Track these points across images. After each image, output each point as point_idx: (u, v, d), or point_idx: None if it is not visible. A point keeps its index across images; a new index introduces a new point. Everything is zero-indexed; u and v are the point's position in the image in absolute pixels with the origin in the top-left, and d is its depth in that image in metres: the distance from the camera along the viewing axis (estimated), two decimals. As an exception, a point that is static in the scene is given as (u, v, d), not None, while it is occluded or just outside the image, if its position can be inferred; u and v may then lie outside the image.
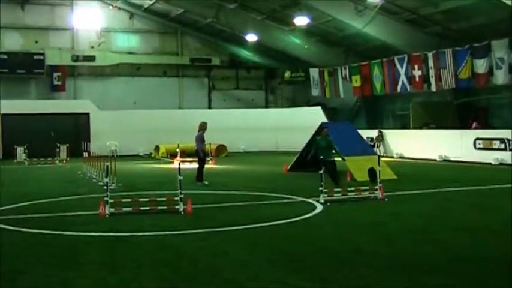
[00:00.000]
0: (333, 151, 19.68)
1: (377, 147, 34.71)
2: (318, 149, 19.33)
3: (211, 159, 31.22)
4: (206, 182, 20.74)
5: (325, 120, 34.09)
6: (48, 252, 10.08)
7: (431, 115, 35.84)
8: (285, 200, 16.38)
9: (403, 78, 33.66)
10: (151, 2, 43.50)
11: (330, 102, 44.41)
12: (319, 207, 14.58)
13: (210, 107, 48.48)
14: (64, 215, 14.35)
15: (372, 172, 18.25)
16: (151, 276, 8.47)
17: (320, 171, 15.31)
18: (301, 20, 36.52)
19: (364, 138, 26.74)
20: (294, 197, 16.76)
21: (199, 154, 21.23)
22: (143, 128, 40.14)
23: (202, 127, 21.71)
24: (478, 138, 29.01)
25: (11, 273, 8.69)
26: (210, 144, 32.87)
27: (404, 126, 38.29)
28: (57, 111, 39.84)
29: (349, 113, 43.88)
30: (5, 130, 38.94)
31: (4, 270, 8.82)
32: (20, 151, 35.61)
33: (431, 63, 31.38)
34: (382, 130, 36.33)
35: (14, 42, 44.07)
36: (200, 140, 21.40)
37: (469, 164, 27.74)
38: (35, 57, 43.53)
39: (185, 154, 31.67)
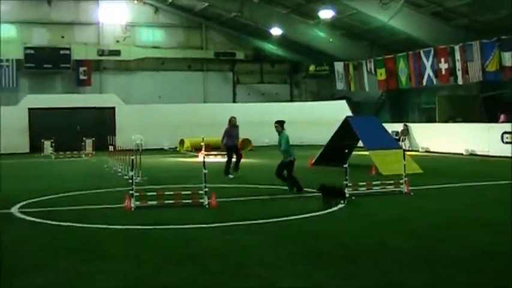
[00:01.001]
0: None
1: (402, 141, 34.47)
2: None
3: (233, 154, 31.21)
4: (231, 176, 20.84)
5: (349, 114, 33.97)
6: (73, 245, 10.16)
7: (457, 109, 35.50)
8: (309, 194, 16.33)
9: (429, 71, 33.38)
10: (176, -4, 43.70)
11: (355, 95, 44.21)
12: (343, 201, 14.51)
13: (234, 101, 48.53)
14: (90, 208, 14.47)
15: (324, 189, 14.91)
16: (175, 269, 8.49)
17: (345, 165, 15.23)
18: (326, 14, 36.37)
19: (389, 132, 26.57)
20: (318, 191, 16.68)
21: (228, 148, 21.60)
22: (168, 122, 40.33)
23: (229, 121, 21.89)
24: (505, 132, 28.64)
25: (37, 266, 8.78)
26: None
27: (430, 119, 37.99)
28: (83, 105, 40.18)
29: (373, 106, 43.64)
30: (32, 124, 39.37)
31: (31, 263, 8.92)
32: (47, 145, 35.93)
33: (458, 56, 31.06)
34: (407, 124, 36.08)
35: (41, 37, 44.51)
36: (226, 134, 21.56)
37: (497, 159, 27.41)
38: (62, 52, 43.95)
39: (210, 148, 31.71)
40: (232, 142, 21.78)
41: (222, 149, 22.06)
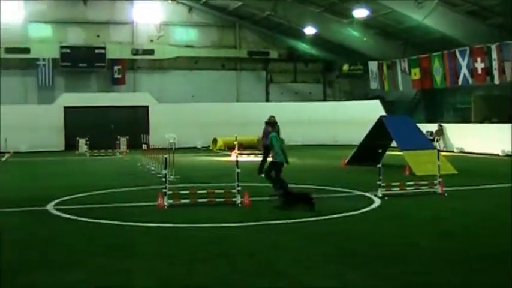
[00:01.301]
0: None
1: (437, 141, 34.14)
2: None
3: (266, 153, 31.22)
4: (263, 175, 20.85)
5: (383, 113, 33.71)
6: (107, 243, 10.26)
7: (492, 108, 35.03)
8: (342, 194, 16.28)
9: (464, 70, 32.97)
10: (209, -4, 43.85)
11: (389, 95, 43.86)
12: (377, 202, 14.44)
13: (267, 100, 48.49)
14: (123, 205, 14.60)
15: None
16: (206, 268, 8.53)
17: (378, 165, 15.14)
18: (360, 13, 36.16)
19: (424, 132, 26.32)
20: (351, 190, 16.64)
21: (264, 147, 21.55)
22: (201, 121, 40.51)
23: (267, 121, 21.90)
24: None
25: (71, 263, 8.88)
26: (267, 137, 32.97)
27: (465, 120, 37.53)
28: (117, 104, 40.55)
29: (408, 106, 43.24)
30: (67, 122, 39.86)
31: (64, 259, 9.03)
32: (82, 143, 36.36)
33: (494, 55, 30.61)
34: (442, 124, 35.70)
35: (76, 36, 45.00)
36: (263, 133, 21.62)
37: (533, 159, 27.00)
38: (96, 51, 44.35)
39: (243, 147, 31.78)
40: (267, 141, 21.75)
41: (258, 148, 22.01)
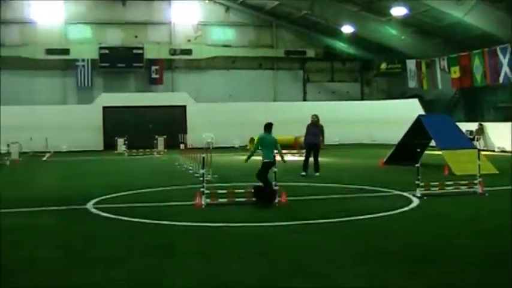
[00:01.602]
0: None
1: (477, 140, 33.67)
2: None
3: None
4: (303, 173, 20.87)
5: (422, 112, 33.38)
6: (146, 242, 10.33)
7: (535, 107, 34.46)
8: (380, 194, 16.16)
9: (505, 68, 32.46)
10: (246, -5, 43.96)
11: (427, 94, 43.39)
12: (415, 201, 14.29)
13: (304, 100, 48.40)
14: (161, 205, 14.70)
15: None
16: (243, 267, 8.53)
17: (417, 165, 14.99)
18: (398, 11, 35.87)
19: (463, 131, 25.97)
20: (389, 190, 16.51)
21: (305, 146, 21.97)
22: (238, 120, 40.57)
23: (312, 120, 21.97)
24: None
25: (111, 260, 8.97)
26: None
27: (507, 118, 36.90)
28: (155, 103, 40.88)
29: (447, 105, 42.72)
30: (106, 122, 40.34)
31: (105, 257, 9.13)
32: (120, 142, 36.73)
33: (536, 52, 30.14)
34: (482, 123, 35.19)
35: (115, 37, 45.52)
36: (306, 131, 21.83)
37: None
38: (135, 51, 44.81)
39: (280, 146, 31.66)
40: (309, 140, 21.75)
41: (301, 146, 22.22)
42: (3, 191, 17.96)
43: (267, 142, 15.78)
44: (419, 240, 10.20)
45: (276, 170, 14.21)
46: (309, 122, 21.80)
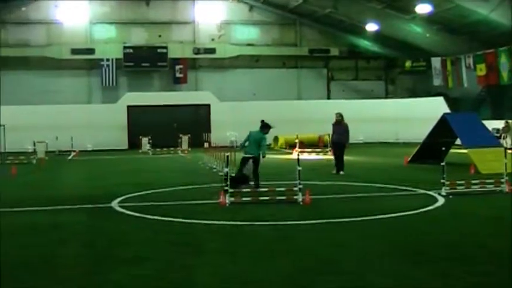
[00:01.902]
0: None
1: (503, 138, 33.29)
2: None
3: (329, 150, 31.11)
4: (334, 171, 20.83)
5: (447, 110, 33.13)
6: (171, 240, 10.36)
7: None
8: (405, 192, 16.05)
9: (532, 66, 32.14)
10: (270, -6, 43.96)
11: (453, 92, 43.04)
12: (441, 200, 14.17)
13: (328, 98, 48.27)
14: (186, 203, 14.73)
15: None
16: (269, 265, 8.52)
17: (442, 163, 14.86)
18: (423, 8, 35.62)
19: (489, 129, 25.70)
20: (414, 189, 16.39)
21: (332, 144, 22.24)
22: (262, 118, 40.51)
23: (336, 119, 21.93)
24: None
25: (137, 258, 9.01)
26: (328, 135, 32.83)
27: (534, 116, 36.52)
28: (179, 102, 41.04)
29: (473, 103, 42.34)
30: (130, 121, 40.58)
31: (130, 256, 9.17)
32: (145, 141, 36.95)
33: None
34: (509, 121, 34.81)
35: (139, 37, 45.81)
36: (333, 131, 21.89)
37: None
38: (159, 50, 45.05)
39: (304, 145, 31.71)
40: (334, 138, 21.76)
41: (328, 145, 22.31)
42: (29, 189, 18.16)
43: (252, 139, 17.21)
44: (447, 239, 10.11)
45: (299, 168, 14.15)
46: (334, 120, 21.76)
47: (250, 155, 16.86)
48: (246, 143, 17.40)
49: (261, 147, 16.97)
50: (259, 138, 17.16)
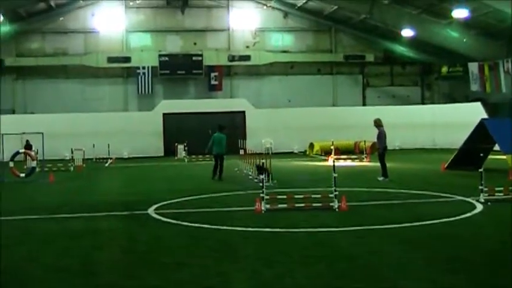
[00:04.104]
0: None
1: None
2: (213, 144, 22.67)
3: (365, 156, 30.95)
4: (379, 179, 20.73)
5: (485, 116, 32.68)
6: (207, 246, 10.40)
7: None
8: (443, 199, 15.86)
9: None
10: (304, 1, 43.91)
11: (491, 97, 42.42)
12: (479, 207, 13.98)
13: (364, 104, 47.98)
14: (222, 210, 14.78)
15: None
16: (305, 272, 8.50)
17: (480, 170, 14.65)
18: (460, 13, 35.22)
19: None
20: (452, 195, 16.19)
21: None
22: (297, 125, 40.56)
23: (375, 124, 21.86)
24: None
25: (174, 264, 9.06)
26: (364, 141, 32.69)
27: None
28: (214, 110, 41.16)
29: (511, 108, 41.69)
30: (166, 129, 40.89)
31: (167, 261, 9.22)
32: (180, 148, 37.16)
33: None
34: (548, 126, 34.16)
35: (174, 44, 46.12)
36: (377, 136, 21.73)
37: None
38: (194, 58, 45.27)
39: (339, 151, 31.56)
40: (378, 144, 21.76)
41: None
42: (66, 196, 18.39)
43: (217, 140, 22.58)
44: (487, 247, 9.96)
45: (335, 175, 14.08)
46: None
47: (218, 153, 22.49)
48: (210, 143, 22.87)
49: (224, 145, 22.58)
50: (221, 138, 22.61)
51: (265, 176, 15.45)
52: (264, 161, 16.33)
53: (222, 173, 22.46)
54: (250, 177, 22.50)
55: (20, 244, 10.95)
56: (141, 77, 44.61)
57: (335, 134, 34.52)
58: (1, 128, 28.51)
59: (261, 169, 20.25)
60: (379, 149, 21.73)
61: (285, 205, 14.15)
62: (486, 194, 14.69)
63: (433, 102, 47.97)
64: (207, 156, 34.91)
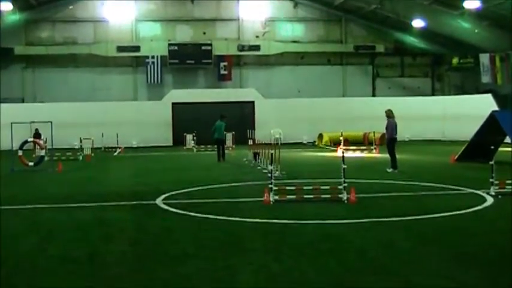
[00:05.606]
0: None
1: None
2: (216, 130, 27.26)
3: (375, 147, 30.81)
4: (389, 170, 20.62)
5: (495, 108, 32.45)
6: (215, 237, 10.34)
7: None
8: (453, 192, 15.74)
9: None
10: (315, -9, 43.70)
11: (502, 89, 42.14)
12: (490, 200, 13.84)
13: (374, 95, 47.79)
14: (230, 201, 14.73)
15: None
16: (314, 264, 8.42)
17: (490, 162, 14.51)
18: (471, 4, 34.95)
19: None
20: (461, 188, 16.06)
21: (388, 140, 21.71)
22: (307, 116, 40.45)
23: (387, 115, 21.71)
24: None
25: (182, 256, 9.01)
26: (374, 132, 32.53)
27: None
28: (223, 99, 41.11)
29: (523, 100, 41.42)
30: (175, 118, 40.90)
31: (174, 253, 9.17)
32: (189, 138, 37.13)
33: None
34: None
35: (184, 34, 46.04)
36: (387, 127, 21.58)
37: None
38: (203, 47, 45.18)
39: (348, 142, 31.43)
40: (387, 135, 21.63)
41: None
42: (75, 186, 18.38)
43: (218, 127, 27.30)
44: (497, 241, 9.85)
45: (344, 166, 13.98)
46: None
47: (218, 138, 27.45)
48: (213, 130, 27.43)
49: (223, 131, 27.66)
50: (221, 126, 27.47)
51: (258, 158, 15.80)
52: (272, 151, 16.26)
53: (224, 155, 27.35)
54: (259, 167, 22.43)
55: (28, 234, 10.92)
56: (151, 67, 44.56)
57: (344, 124, 34.43)
58: (10, 117, 28.57)
59: (256, 154, 24.18)
60: (387, 140, 21.65)
61: (293, 196, 14.07)
62: (497, 187, 14.55)
63: (443, 94, 47.74)
64: (215, 146, 34.96)
